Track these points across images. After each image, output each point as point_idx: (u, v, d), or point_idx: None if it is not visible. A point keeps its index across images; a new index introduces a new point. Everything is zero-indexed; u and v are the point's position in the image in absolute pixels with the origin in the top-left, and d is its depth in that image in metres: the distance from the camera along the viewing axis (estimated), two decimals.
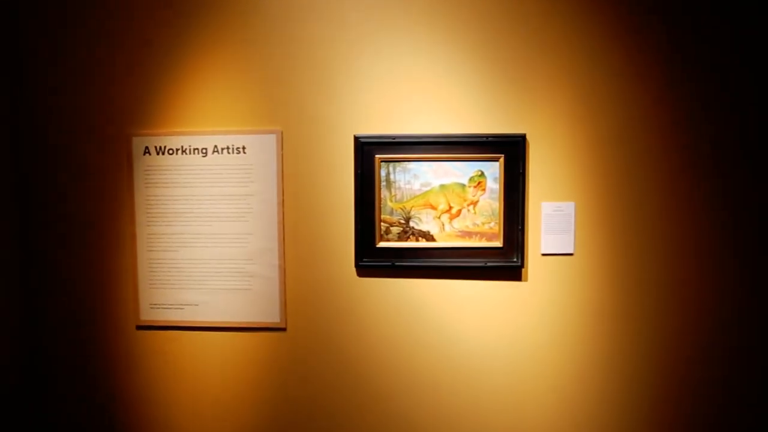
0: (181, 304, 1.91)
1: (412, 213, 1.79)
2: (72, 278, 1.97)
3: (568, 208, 1.77)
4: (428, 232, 1.80)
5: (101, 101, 1.91)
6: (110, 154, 1.92)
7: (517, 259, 1.77)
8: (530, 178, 1.77)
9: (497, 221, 1.77)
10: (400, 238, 1.81)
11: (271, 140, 1.83)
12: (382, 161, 1.78)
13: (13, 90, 1.92)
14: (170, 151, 1.88)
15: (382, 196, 1.79)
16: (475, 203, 1.77)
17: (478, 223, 1.77)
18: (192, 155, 1.87)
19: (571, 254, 1.78)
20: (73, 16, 1.90)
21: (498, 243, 1.77)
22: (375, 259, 1.81)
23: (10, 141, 1.92)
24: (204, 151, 1.86)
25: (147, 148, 1.89)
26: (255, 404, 1.91)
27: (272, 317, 1.87)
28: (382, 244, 1.81)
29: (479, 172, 1.76)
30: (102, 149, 1.92)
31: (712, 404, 1.79)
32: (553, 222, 1.77)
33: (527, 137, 1.75)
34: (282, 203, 1.85)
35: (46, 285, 1.98)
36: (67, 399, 2.00)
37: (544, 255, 1.79)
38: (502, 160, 1.75)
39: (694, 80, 1.73)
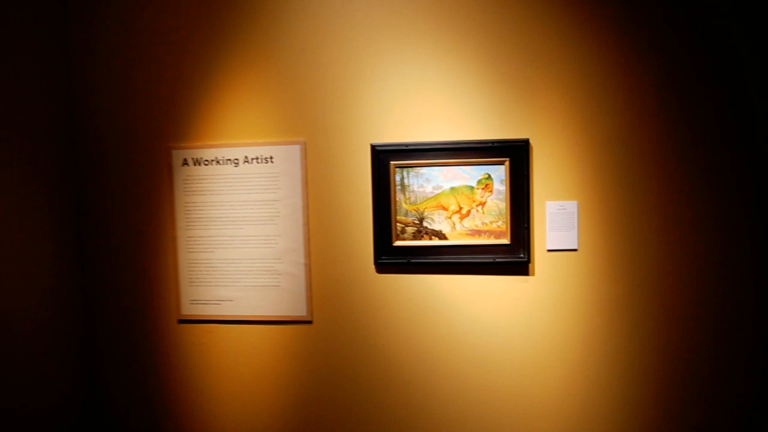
0: (218, 300, 2.11)
1: (425, 214, 1.95)
2: (121, 278, 2.19)
3: (571, 206, 1.89)
4: (440, 231, 1.95)
5: (145, 118, 2.13)
6: (153, 166, 2.14)
7: (524, 255, 1.90)
8: (534, 179, 1.90)
9: (504, 220, 1.90)
10: (414, 237, 1.96)
11: (296, 150, 2.02)
12: (396, 167, 1.94)
13: (70, 109, 2.16)
14: (206, 162, 2.08)
15: (397, 198, 1.95)
16: (483, 204, 1.91)
17: (486, 222, 1.91)
18: (225, 165, 2.07)
19: (575, 250, 1.91)
20: (120, 44, 2.12)
21: (505, 240, 1.91)
22: (392, 256, 1.97)
23: (69, 156, 2.16)
24: (236, 161, 2.06)
25: (185, 159, 2.09)
26: (285, 390, 2.10)
27: (299, 311, 2.05)
28: (398, 243, 1.97)
29: (486, 175, 1.90)
30: (146, 161, 2.14)
31: (714, 395, 1.88)
32: (557, 220, 1.90)
33: (531, 141, 1.89)
34: (306, 207, 2.03)
35: (99, 285, 2.21)
36: (118, 384, 2.22)
37: (549, 251, 1.92)
38: (507, 163, 1.88)
39: (692, 82, 1.83)
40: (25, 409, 1.93)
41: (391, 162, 1.94)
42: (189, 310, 2.13)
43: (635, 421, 1.92)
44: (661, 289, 1.87)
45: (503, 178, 1.89)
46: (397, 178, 1.94)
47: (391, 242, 1.97)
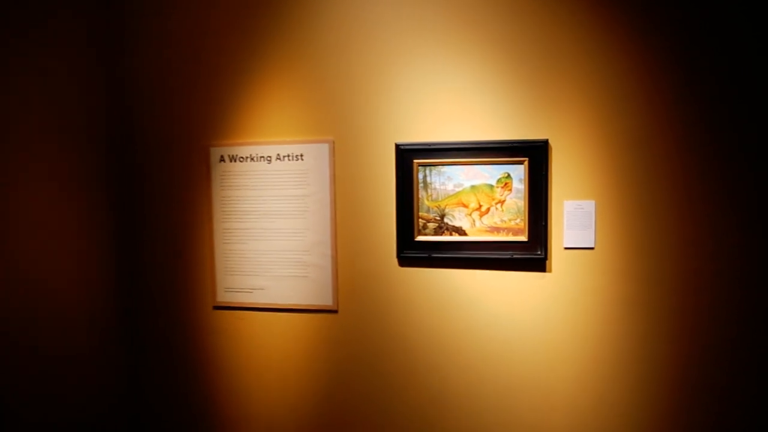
0: (250, 289, 2.25)
1: (446, 210, 2.04)
2: (161, 267, 2.37)
3: (589, 206, 1.95)
4: (461, 227, 2.03)
5: (185, 118, 2.29)
6: (192, 163, 2.30)
7: (541, 252, 1.97)
8: (553, 178, 1.97)
9: (523, 218, 1.98)
10: (435, 233, 2.05)
11: (324, 149, 2.14)
12: (419, 165, 2.03)
13: (119, 109, 2.34)
14: (241, 159, 2.23)
15: (419, 195, 2.05)
16: (502, 202, 1.99)
17: (505, 219, 1.99)
18: (259, 162, 2.21)
19: (592, 248, 1.96)
20: (163, 49, 2.29)
21: (523, 237, 1.98)
22: (414, 251, 2.07)
23: (117, 152, 2.34)
24: (269, 158, 2.19)
25: (222, 156, 2.24)
26: (311, 374, 2.23)
27: (326, 300, 2.18)
28: (420, 238, 2.06)
29: (506, 174, 1.97)
30: (185, 158, 2.30)
31: (727, 397, 1.91)
32: (575, 219, 1.96)
33: (549, 142, 1.95)
34: (333, 202, 2.15)
35: (142, 273, 2.39)
36: (157, 366, 2.40)
37: (566, 249, 1.98)
38: (526, 163, 1.95)
39: (710, 83, 1.85)
40: (73, 385, 2.12)
41: (415, 160, 2.03)
42: (224, 297, 2.29)
43: (647, 418, 1.97)
44: (677, 289, 1.91)
45: (522, 177, 1.96)
46: (420, 176, 2.04)
47: (413, 237, 2.07)
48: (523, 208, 1.97)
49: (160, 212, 2.35)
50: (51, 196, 2.01)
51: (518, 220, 1.98)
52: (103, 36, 2.28)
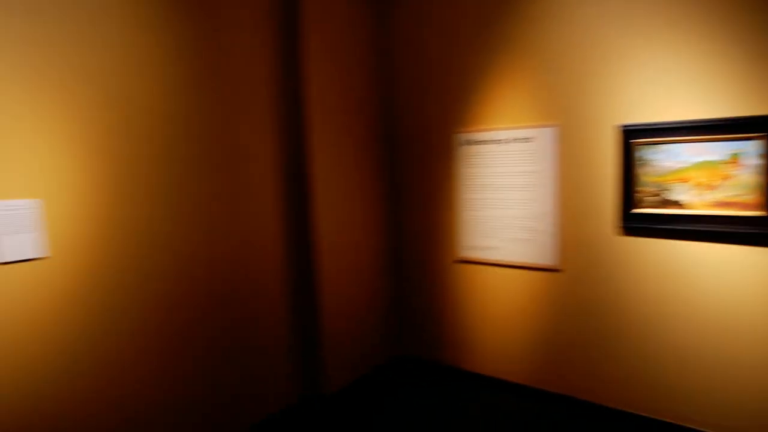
0: (485, 248, 2.80)
1: (667, 186, 2.18)
2: (417, 231, 3.11)
3: None
4: (680, 201, 2.16)
5: (435, 111, 2.92)
6: (441, 146, 2.93)
7: None
8: None
9: (755, 192, 1.99)
10: (655, 206, 2.23)
11: (551, 132, 2.49)
12: (637, 144, 2.22)
13: (390, 102, 3.13)
14: (479, 142, 2.75)
15: (640, 171, 2.24)
16: (729, 177, 2.03)
17: (732, 194, 2.04)
18: (494, 144, 2.70)
19: None
20: (418, 56, 2.95)
21: (759, 212, 1.99)
22: (634, 221, 2.29)
23: (386, 139, 3.15)
24: (503, 141, 2.66)
25: (465, 140, 2.81)
26: (534, 324, 2.68)
27: (550, 260, 2.57)
28: (639, 210, 2.27)
29: (736, 150, 2.01)
30: (436, 143, 2.95)
31: None
32: None
33: None
34: (558, 178, 2.50)
35: (401, 234, 3.18)
36: (414, 306, 3.19)
37: None
38: (765, 139, 1.95)
39: None
40: (363, 320, 3.04)
41: (635, 140, 2.23)
42: (463, 253, 2.90)
43: None
44: None
45: (755, 152, 1.97)
46: (639, 154, 2.23)
47: (632, 209, 2.28)
48: (754, 183, 1.98)
49: (416, 183, 3.08)
50: (353, 175, 2.91)
51: (749, 195, 2.01)
52: (380, 41, 3.07)
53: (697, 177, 2.12)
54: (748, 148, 1.99)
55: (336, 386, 2.83)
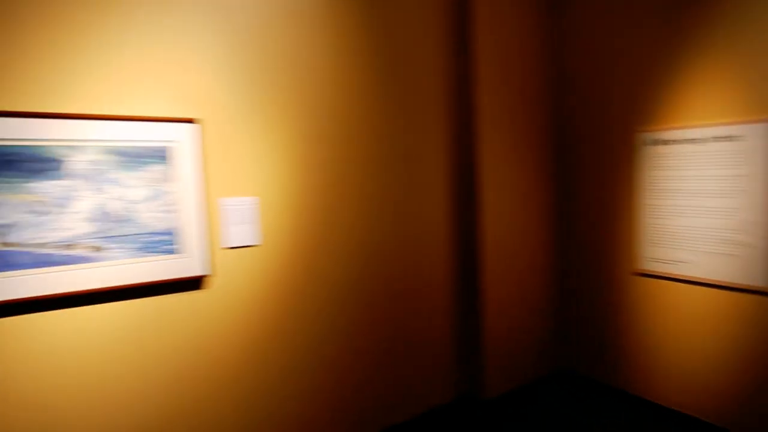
0: (673, 261, 2.50)
1: None
2: (588, 239, 2.90)
3: None
4: None
5: (613, 108, 2.70)
6: (620, 147, 2.69)
7: None
8: None
9: None
10: None
11: (764, 129, 2.12)
12: None
13: (561, 101, 3.00)
14: (670, 142, 2.46)
15: None
16: None
17: None
18: (688, 144, 2.39)
19: None
20: (596, 51, 2.76)
21: None
22: None
23: (556, 138, 3.01)
24: (698, 140, 2.35)
25: (651, 140, 2.54)
26: (737, 354, 2.28)
27: (761, 281, 2.16)
28: None
29: None
30: (612, 143, 2.72)
31: None
32: None
33: None
34: None
35: (570, 242, 3.00)
36: (582, 318, 2.98)
37: None
38: None
39: None
40: (525, 328, 2.95)
41: None
42: (646, 265, 2.62)
43: None
44: None
45: None
46: None
47: None
48: None
49: (588, 187, 2.88)
50: (520, 178, 2.85)
51: None
52: (550, 42, 2.96)
53: None
54: None
55: (494, 392, 2.79)
